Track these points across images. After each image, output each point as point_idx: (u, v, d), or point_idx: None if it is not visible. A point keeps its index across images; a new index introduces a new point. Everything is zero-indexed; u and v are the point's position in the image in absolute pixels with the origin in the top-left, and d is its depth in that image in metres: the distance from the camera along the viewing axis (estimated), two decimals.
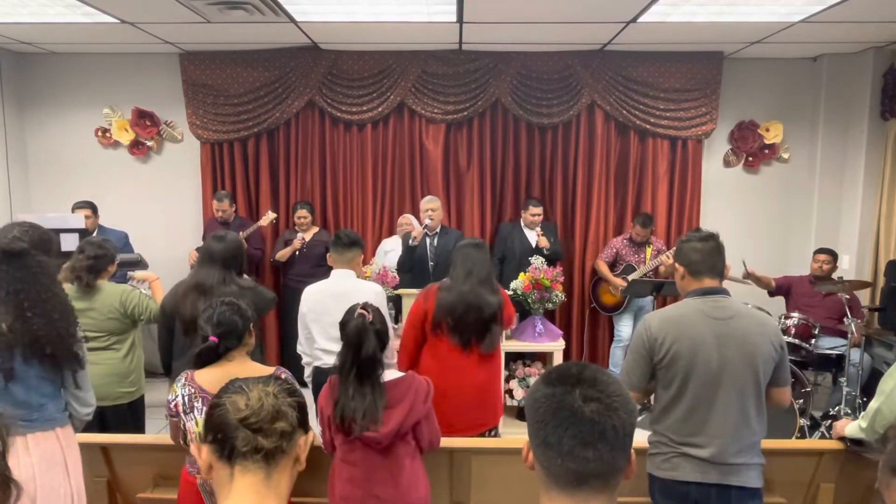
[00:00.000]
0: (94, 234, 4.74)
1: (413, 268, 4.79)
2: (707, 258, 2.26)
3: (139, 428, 3.44)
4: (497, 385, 3.21)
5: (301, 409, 1.26)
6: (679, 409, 2.19)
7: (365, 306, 2.26)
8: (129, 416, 3.32)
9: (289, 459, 1.23)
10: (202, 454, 1.23)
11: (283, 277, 5.56)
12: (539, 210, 5.27)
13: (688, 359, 2.15)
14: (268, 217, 5.35)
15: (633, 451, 1.08)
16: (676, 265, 2.35)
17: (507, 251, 5.32)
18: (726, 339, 2.16)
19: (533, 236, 5.23)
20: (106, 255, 3.27)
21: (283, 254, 5.33)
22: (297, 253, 5.31)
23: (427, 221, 4.87)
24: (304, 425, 1.26)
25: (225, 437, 1.19)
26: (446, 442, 2.45)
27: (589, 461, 1.03)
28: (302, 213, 5.37)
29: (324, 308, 3.17)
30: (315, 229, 5.48)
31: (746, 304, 2.44)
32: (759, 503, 2.22)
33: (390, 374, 2.24)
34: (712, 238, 2.30)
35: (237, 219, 5.51)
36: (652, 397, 2.34)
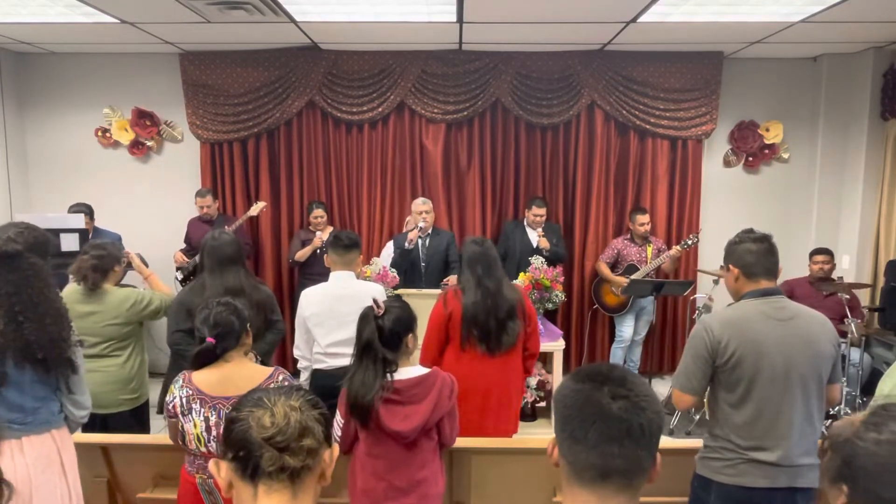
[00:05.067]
0: (90, 236, 4.74)
1: (407, 270, 4.78)
2: (762, 259, 2.24)
3: (144, 432, 3.39)
4: (519, 392, 3.18)
5: (326, 422, 1.21)
6: (744, 412, 2.16)
7: (386, 300, 2.28)
8: (132, 422, 3.25)
9: (314, 476, 1.17)
10: (221, 472, 1.17)
11: (301, 276, 5.54)
12: (542, 211, 5.25)
13: (753, 362, 2.13)
14: (258, 206, 5.34)
15: (658, 454, 1.08)
16: (730, 266, 2.31)
17: (509, 249, 5.31)
18: (790, 340, 2.14)
19: (534, 236, 5.22)
20: (109, 255, 3.20)
21: (302, 254, 5.31)
22: (317, 252, 5.30)
23: (421, 224, 4.86)
24: (328, 439, 1.20)
25: (248, 455, 1.12)
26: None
27: (614, 457, 1.04)
28: (318, 213, 5.36)
29: (329, 311, 3.16)
30: (329, 228, 5.47)
31: None
32: (814, 502, 2.22)
33: (415, 371, 2.24)
34: (766, 239, 2.28)
35: (221, 216, 5.49)
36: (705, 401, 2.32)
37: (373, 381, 2.13)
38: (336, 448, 1.25)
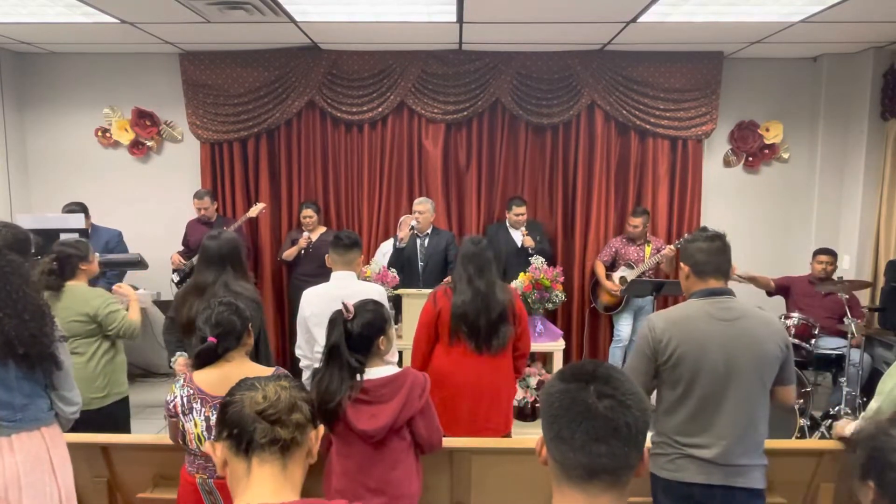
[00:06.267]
0: (88, 234, 4.74)
1: (403, 268, 4.79)
2: (712, 258, 2.24)
3: (118, 431, 3.21)
4: (510, 390, 3.20)
5: (311, 404, 1.33)
6: (684, 410, 2.18)
7: (358, 303, 2.25)
8: (101, 421, 3.11)
9: (302, 452, 1.28)
10: (217, 452, 1.26)
11: (289, 276, 5.57)
12: (523, 209, 5.26)
13: (694, 361, 2.14)
14: (257, 208, 5.34)
15: (646, 449, 1.09)
16: (681, 265, 2.33)
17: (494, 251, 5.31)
18: (733, 340, 2.14)
19: (518, 236, 5.23)
20: (71, 256, 3.12)
21: (289, 253, 5.33)
22: (304, 252, 5.30)
23: (413, 223, 4.86)
24: (314, 420, 1.33)
25: (242, 430, 1.23)
26: (446, 442, 2.44)
27: (601, 456, 1.04)
28: (307, 213, 5.37)
29: (327, 311, 3.14)
30: (322, 229, 5.47)
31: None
32: (762, 503, 2.22)
33: (385, 371, 2.22)
34: (718, 238, 2.28)
35: (220, 218, 5.49)
36: (653, 398, 2.34)
37: (338, 386, 2.11)
38: (322, 428, 1.35)
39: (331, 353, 2.17)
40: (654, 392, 2.33)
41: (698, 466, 2.15)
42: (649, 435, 2.29)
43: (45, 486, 2.18)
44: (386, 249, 5.22)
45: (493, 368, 3.04)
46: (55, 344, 2.20)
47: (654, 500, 2.28)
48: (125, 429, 3.40)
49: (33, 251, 2.79)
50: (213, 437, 1.32)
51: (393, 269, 4.60)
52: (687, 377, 2.15)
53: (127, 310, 3.31)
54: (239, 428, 1.23)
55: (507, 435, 3.18)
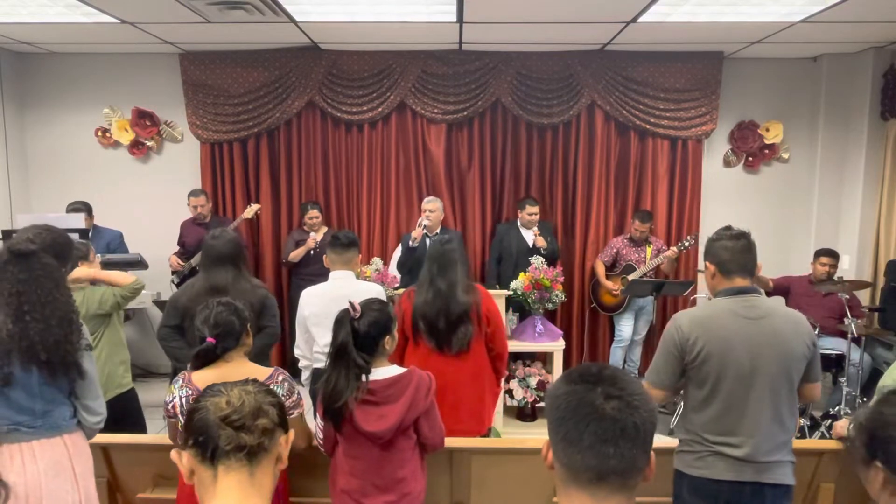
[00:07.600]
0: (90, 234, 4.74)
1: (412, 269, 4.79)
2: (738, 257, 2.24)
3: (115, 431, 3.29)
4: (479, 389, 3.10)
5: (280, 408, 1.28)
6: (712, 408, 2.18)
7: (364, 302, 2.25)
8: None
9: (271, 458, 1.24)
10: (183, 460, 1.23)
11: (290, 276, 5.56)
12: (536, 209, 5.26)
13: (719, 359, 2.15)
14: (251, 209, 5.34)
15: (652, 452, 1.09)
16: (706, 264, 2.33)
17: (504, 251, 5.32)
18: (758, 338, 2.15)
19: (530, 236, 5.22)
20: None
21: (296, 254, 5.33)
22: (311, 253, 5.30)
23: (425, 222, 4.86)
24: (283, 424, 1.28)
25: (207, 437, 1.19)
26: (446, 441, 2.44)
27: (609, 458, 1.04)
28: (314, 213, 5.37)
29: (328, 311, 3.14)
30: (324, 229, 5.48)
31: None
32: (789, 501, 2.23)
33: (390, 371, 2.23)
34: (743, 236, 2.27)
35: (215, 218, 5.48)
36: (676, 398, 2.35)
37: (345, 385, 2.11)
38: (292, 433, 1.31)
39: (338, 352, 2.16)
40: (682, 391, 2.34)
41: (728, 464, 2.16)
42: (664, 438, 2.29)
43: (66, 495, 2.15)
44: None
45: (457, 368, 2.98)
46: (80, 352, 2.17)
47: (677, 498, 2.27)
48: (135, 422, 3.36)
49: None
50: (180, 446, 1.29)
51: (393, 270, 4.60)
52: (713, 375, 2.16)
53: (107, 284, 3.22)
54: (204, 435, 1.19)
55: (485, 435, 3.12)
